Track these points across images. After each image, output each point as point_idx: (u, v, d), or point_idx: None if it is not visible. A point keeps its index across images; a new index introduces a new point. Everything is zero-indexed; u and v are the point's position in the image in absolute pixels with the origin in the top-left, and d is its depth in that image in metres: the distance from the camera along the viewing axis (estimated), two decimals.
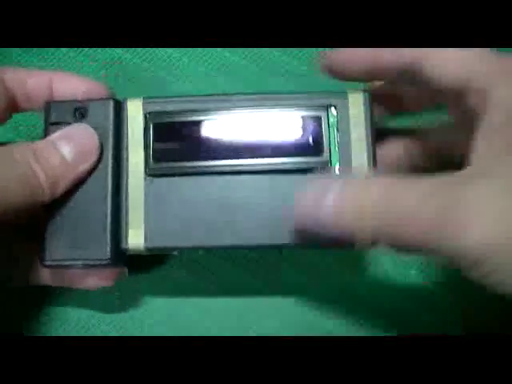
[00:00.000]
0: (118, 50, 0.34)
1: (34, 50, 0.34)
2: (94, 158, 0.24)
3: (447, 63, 0.21)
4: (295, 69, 0.33)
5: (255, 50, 0.34)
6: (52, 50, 0.34)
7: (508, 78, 0.19)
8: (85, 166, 0.23)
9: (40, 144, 0.23)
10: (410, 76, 0.22)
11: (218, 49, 0.34)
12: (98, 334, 0.29)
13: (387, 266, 0.30)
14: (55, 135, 0.24)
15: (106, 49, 0.34)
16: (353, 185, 0.19)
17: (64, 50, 0.34)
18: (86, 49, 0.34)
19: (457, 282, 0.29)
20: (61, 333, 0.29)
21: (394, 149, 0.27)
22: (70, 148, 0.23)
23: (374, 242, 0.19)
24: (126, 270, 0.27)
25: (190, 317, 0.30)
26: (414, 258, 0.30)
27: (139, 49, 0.34)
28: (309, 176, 0.23)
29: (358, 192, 0.19)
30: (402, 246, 0.18)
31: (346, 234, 0.19)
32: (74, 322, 0.29)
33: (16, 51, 0.34)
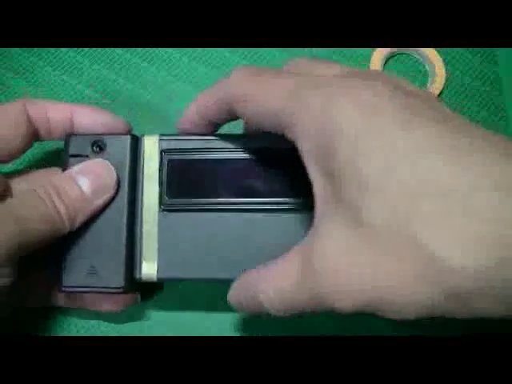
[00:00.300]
0: (118, 50, 0.34)
1: (34, 49, 0.34)
2: (111, 193, 0.24)
3: (247, 106, 0.21)
4: None
5: (255, 49, 0.34)
6: (52, 50, 0.34)
7: (304, 109, 0.19)
8: (102, 200, 0.24)
9: (61, 179, 0.24)
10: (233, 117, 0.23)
11: (218, 49, 0.34)
12: (98, 334, 0.29)
13: None
14: (75, 169, 0.24)
15: (106, 49, 0.34)
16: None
17: (64, 49, 0.34)
18: (86, 49, 0.34)
19: None
20: (61, 333, 0.29)
21: None
22: (88, 182, 0.24)
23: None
24: (138, 296, 0.28)
25: (190, 317, 0.30)
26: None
27: (139, 49, 0.34)
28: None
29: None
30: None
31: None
32: (74, 322, 0.29)
33: (16, 51, 0.34)
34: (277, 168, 0.25)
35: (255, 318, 0.29)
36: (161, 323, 0.29)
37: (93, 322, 0.29)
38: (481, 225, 0.15)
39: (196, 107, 0.24)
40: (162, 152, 0.25)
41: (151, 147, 0.25)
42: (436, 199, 0.16)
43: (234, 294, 0.22)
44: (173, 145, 0.25)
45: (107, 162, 0.25)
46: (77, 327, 0.29)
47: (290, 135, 0.19)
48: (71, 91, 0.33)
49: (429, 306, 0.16)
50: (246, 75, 0.21)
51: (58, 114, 0.26)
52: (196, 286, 0.30)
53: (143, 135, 0.26)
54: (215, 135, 0.25)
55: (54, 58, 0.34)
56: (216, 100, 0.22)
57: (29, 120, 0.26)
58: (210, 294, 0.30)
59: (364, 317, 0.29)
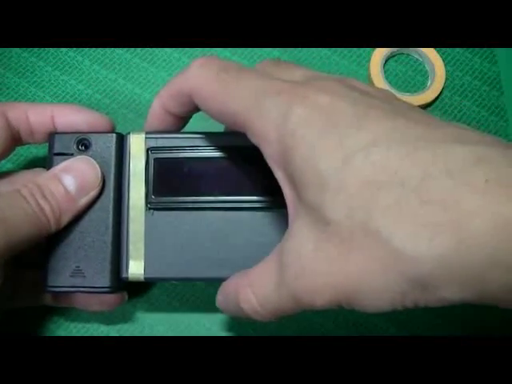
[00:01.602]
0: (118, 50, 0.34)
1: (35, 50, 0.34)
2: (96, 190, 0.24)
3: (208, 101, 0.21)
4: None
5: (255, 50, 0.34)
6: (52, 50, 0.34)
7: (260, 108, 0.19)
8: (87, 198, 0.24)
9: (45, 178, 0.24)
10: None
11: (218, 49, 0.34)
12: (98, 334, 0.29)
13: None
14: (58, 168, 0.24)
15: (106, 49, 0.34)
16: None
17: (64, 49, 0.34)
18: (86, 49, 0.34)
19: None
20: (61, 333, 0.29)
21: None
22: (72, 180, 0.24)
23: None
24: (125, 295, 0.28)
25: (190, 317, 0.30)
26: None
27: (139, 49, 0.34)
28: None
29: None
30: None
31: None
32: (74, 322, 0.29)
33: (16, 51, 0.34)
34: (264, 166, 0.25)
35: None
36: (161, 323, 0.29)
37: (93, 322, 0.29)
38: (434, 212, 0.15)
39: (159, 101, 0.24)
40: (149, 150, 0.25)
41: (137, 145, 0.25)
42: (392, 190, 0.16)
43: (220, 300, 0.23)
44: (159, 143, 0.25)
45: (91, 158, 0.24)
46: (77, 327, 0.29)
47: (251, 138, 0.20)
48: (71, 91, 0.33)
49: (398, 297, 0.17)
50: (207, 71, 0.21)
51: (38, 115, 0.26)
52: (196, 286, 0.30)
53: (129, 133, 0.25)
54: (202, 133, 0.25)
55: (54, 58, 0.34)
56: (177, 92, 0.22)
57: (8, 124, 0.25)
58: (210, 293, 0.30)
59: (364, 317, 0.29)
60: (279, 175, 0.19)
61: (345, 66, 0.34)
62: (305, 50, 0.34)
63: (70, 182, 0.24)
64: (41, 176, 0.24)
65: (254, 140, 0.20)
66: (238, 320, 0.29)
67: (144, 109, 0.33)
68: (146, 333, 0.29)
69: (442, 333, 0.29)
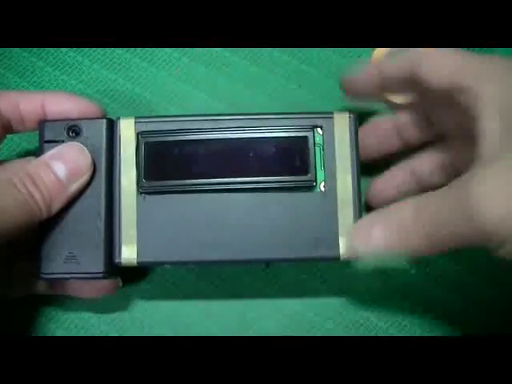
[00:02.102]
0: (118, 50, 0.34)
1: (34, 50, 0.34)
2: (86, 176, 0.24)
3: (440, 66, 0.23)
4: (295, 69, 0.33)
5: (255, 50, 0.34)
6: (52, 50, 0.34)
7: (491, 76, 0.22)
8: (78, 184, 0.24)
9: (35, 165, 0.24)
10: (411, 82, 0.24)
11: (218, 49, 0.34)
12: (98, 334, 0.29)
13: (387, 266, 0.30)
14: (48, 154, 0.24)
15: (106, 49, 0.34)
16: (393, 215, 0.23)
17: (64, 49, 0.34)
18: (86, 49, 0.34)
19: (456, 282, 0.30)
20: (61, 333, 0.29)
21: (426, 163, 0.28)
22: (62, 167, 0.24)
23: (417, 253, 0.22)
24: (119, 281, 0.28)
25: (190, 317, 0.30)
26: (414, 258, 0.30)
27: (139, 49, 0.34)
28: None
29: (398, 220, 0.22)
30: (440, 250, 0.21)
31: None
32: (74, 322, 0.29)
33: (16, 51, 0.34)
34: (253, 147, 0.25)
35: (255, 317, 0.29)
36: (161, 323, 0.29)
37: (92, 321, 0.29)
38: None
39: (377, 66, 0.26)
40: (139, 134, 0.25)
41: (127, 130, 0.25)
42: None
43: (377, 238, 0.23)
44: (149, 127, 0.25)
45: (80, 144, 0.24)
46: (76, 327, 0.29)
47: (466, 101, 0.22)
48: (71, 91, 0.33)
49: None
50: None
51: (28, 104, 0.26)
52: (196, 286, 0.30)
53: (119, 118, 0.25)
54: (192, 115, 0.25)
55: (54, 58, 0.34)
56: (401, 62, 0.25)
57: None
58: (211, 293, 0.30)
59: (364, 317, 0.29)
60: (491, 118, 0.21)
61: (345, 66, 0.34)
62: (305, 50, 0.34)
63: (59, 168, 0.24)
64: (31, 164, 0.24)
65: (467, 102, 0.22)
66: (248, 317, 0.29)
67: (144, 108, 0.33)
68: (146, 333, 0.29)
69: (442, 333, 0.29)
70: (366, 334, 0.29)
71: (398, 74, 0.25)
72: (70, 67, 0.34)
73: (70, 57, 0.34)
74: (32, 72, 0.34)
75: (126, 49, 0.34)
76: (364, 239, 0.22)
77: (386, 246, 0.22)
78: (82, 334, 0.29)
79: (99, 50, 0.34)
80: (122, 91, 0.33)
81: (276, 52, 0.34)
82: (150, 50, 0.34)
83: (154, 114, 0.33)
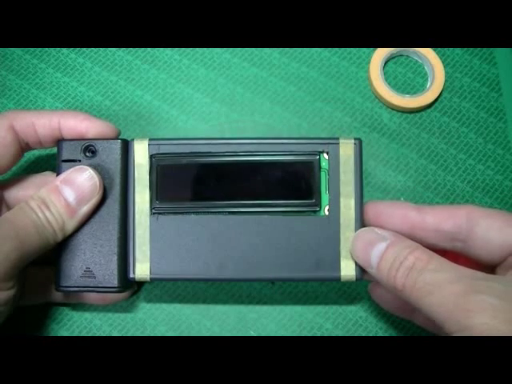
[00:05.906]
0: (120, 52, 0.34)
1: (36, 52, 0.34)
2: (95, 199, 0.25)
3: (494, 231, 0.23)
4: (295, 70, 0.34)
5: (256, 51, 0.34)
6: (54, 52, 0.34)
7: None
8: (88, 207, 0.25)
9: (47, 191, 0.25)
10: (458, 238, 0.25)
11: (219, 50, 0.34)
12: (101, 334, 0.30)
13: None
14: (59, 178, 0.25)
15: (108, 51, 0.34)
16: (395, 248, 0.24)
17: (65, 50, 0.34)
18: (88, 51, 0.34)
19: None
20: (64, 333, 0.30)
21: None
22: (71, 192, 0.25)
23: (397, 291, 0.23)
24: (135, 286, 0.29)
25: (191, 317, 0.30)
26: None
27: (140, 50, 0.34)
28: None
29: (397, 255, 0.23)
30: (421, 309, 0.23)
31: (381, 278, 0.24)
32: (76, 322, 0.30)
33: (17, 51, 0.34)
34: (262, 171, 0.26)
35: (255, 317, 0.30)
36: (162, 324, 0.30)
37: (95, 322, 0.30)
38: None
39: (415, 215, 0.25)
40: (152, 157, 0.26)
41: (141, 152, 0.26)
42: None
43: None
44: (162, 149, 0.26)
45: (88, 168, 0.25)
46: (79, 328, 0.30)
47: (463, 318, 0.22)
48: (73, 93, 0.33)
49: None
50: None
51: (45, 126, 0.26)
52: (197, 287, 0.30)
53: (133, 139, 0.26)
54: (204, 139, 0.26)
55: (56, 60, 0.34)
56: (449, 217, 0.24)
57: (16, 136, 0.26)
58: (211, 293, 0.30)
59: (364, 317, 0.29)
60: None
61: (344, 67, 0.34)
62: (305, 50, 0.34)
63: (69, 193, 0.25)
64: (44, 188, 0.25)
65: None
66: (248, 316, 0.29)
67: (145, 110, 0.33)
68: (148, 333, 0.30)
69: (442, 333, 0.29)
70: (366, 334, 0.29)
71: (443, 227, 0.25)
72: (71, 69, 0.34)
73: (71, 59, 0.34)
74: (34, 74, 0.34)
75: (127, 51, 0.34)
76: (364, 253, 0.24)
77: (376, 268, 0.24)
78: (84, 334, 0.30)
79: (101, 52, 0.34)
80: (123, 93, 0.33)
81: (276, 54, 0.34)
82: (151, 52, 0.34)
83: (154, 115, 0.33)
